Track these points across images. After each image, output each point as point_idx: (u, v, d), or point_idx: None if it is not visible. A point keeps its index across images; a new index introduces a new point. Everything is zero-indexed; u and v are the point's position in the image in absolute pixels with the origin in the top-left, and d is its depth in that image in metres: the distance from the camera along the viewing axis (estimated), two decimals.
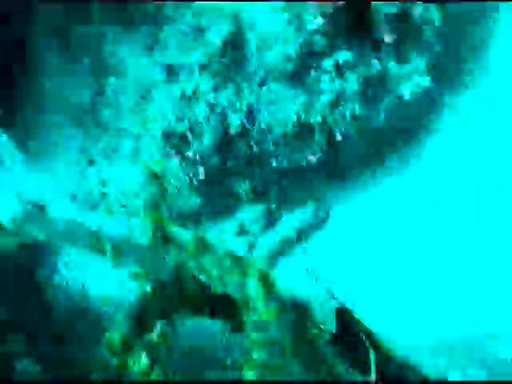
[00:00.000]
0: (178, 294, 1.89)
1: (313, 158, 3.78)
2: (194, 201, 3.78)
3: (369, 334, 2.16)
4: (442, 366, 3.77)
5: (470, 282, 3.88)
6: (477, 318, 3.93)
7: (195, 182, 3.68)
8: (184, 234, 1.92)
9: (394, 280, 4.03)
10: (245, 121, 3.51)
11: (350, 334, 2.15)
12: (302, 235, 4.18)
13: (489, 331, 3.87)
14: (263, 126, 3.56)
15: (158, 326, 1.91)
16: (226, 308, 1.87)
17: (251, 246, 4.11)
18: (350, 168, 4.24)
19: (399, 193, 4.30)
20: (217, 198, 3.90)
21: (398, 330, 3.90)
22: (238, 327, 1.87)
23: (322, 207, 4.24)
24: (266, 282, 1.62)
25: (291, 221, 4.16)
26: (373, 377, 1.97)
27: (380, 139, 4.13)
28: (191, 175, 3.67)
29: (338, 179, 4.29)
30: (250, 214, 4.07)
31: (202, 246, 1.84)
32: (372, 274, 4.05)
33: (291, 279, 4.15)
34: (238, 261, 1.72)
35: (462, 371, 3.70)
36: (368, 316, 3.93)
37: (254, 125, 3.55)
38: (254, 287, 1.63)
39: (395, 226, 4.19)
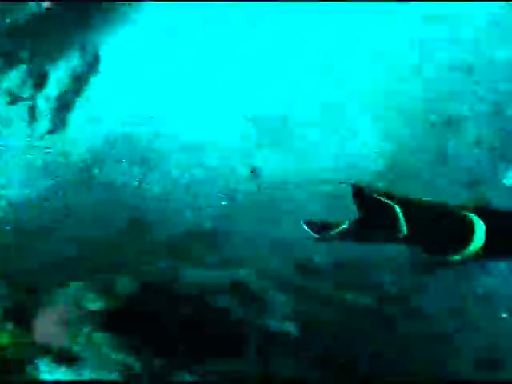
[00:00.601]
0: None
1: None
2: None
3: (387, 194, 2.13)
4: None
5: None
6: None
7: None
8: None
9: (183, 93, 4.12)
10: None
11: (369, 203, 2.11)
12: (77, 83, 4.14)
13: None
14: None
15: None
16: None
17: (31, 110, 4.04)
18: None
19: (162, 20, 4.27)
20: None
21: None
22: None
23: (89, 51, 4.17)
24: None
25: (60, 74, 4.08)
26: (404, 231, 2.03)
27: None
28: None
29: (95, 19, 4.19)
30: (13, 80, 3.96)
31: None
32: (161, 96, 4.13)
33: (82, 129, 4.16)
34: None
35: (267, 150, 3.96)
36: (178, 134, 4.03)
37: None
38: None
39: (167, 51, 4.22)
